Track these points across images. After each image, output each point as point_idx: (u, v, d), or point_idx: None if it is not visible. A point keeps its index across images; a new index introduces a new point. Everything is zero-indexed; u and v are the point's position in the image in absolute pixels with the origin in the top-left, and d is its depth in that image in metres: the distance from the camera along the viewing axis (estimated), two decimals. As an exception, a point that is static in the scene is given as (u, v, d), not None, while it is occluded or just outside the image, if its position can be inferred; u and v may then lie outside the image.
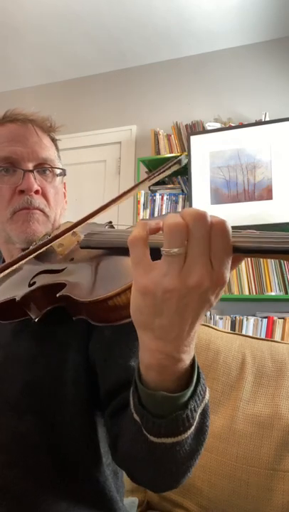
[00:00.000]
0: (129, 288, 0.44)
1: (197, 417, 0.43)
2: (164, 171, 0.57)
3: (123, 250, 0.50)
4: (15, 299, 0.55)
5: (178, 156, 0.58)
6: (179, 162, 0.57)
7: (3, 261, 0.82)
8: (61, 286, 0.52)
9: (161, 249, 0.35)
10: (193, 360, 0.42)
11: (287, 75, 2.76)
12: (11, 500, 0.57)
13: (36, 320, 0.56)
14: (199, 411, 0.44)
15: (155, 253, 0.37)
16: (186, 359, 0.40)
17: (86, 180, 3.08)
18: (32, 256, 0.50)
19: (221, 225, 0.34)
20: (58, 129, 0.81)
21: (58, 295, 0.50)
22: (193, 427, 0.43)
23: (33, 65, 3.20)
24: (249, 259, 2.32)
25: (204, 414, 0.46)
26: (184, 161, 0.58)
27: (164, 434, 0.42)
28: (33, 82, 3.39)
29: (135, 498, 0.96)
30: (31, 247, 0.51)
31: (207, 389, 0.45)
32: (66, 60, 3.14)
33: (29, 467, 0.58)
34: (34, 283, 0.56)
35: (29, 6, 2.59)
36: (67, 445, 0.60)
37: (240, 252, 0.35)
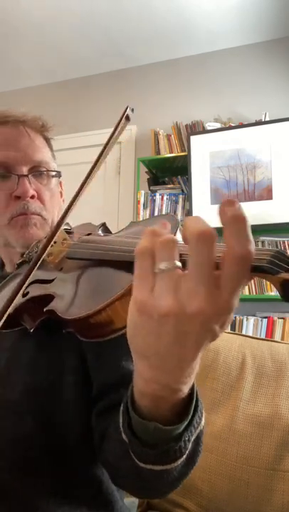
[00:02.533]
0: (109, 305, 0.42)
1: (190, 445, 0.41)
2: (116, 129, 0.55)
3: (108, 263, 0.49)
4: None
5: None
6: (127, 117, 0.55)
7: (3, 264, 0.82)
8: (50, 298, 0.51)
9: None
10: (192, 387, 0.39)
11: (287, 75, 2.76)
12: (11, 503, 0.57)
13: (32, 330, 0.55)
14: (193, 439, 0.41)
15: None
16: (185, 389, 0.37)
17: (86, 181, 3.08)
18: (33, 271, 0.49)
19: (239, 253, 0.29)
20: (51, 128, 0.79)
21: (44, 310, 0.49)
22: (185, 456, 0.41)
23: (33, 65, 3.20)
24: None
25: (198, 441, 0.44)
26: (131, 114, 0.55)
27: (153, 462, 0.40)
28: (33, 82, 3.40)
29: (135, 498, 0.96)
30: (31, 263, 0.50)
31: (203, 415, 0.43)
32: (66, 60, 3.14)
33: (29, 469, 0.58)
34: (27, 293, 0.55)
35: (29, 6, 2.59)
36: (67, 447, 0.60)
37: (263, 272, 0.31)
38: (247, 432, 0.94)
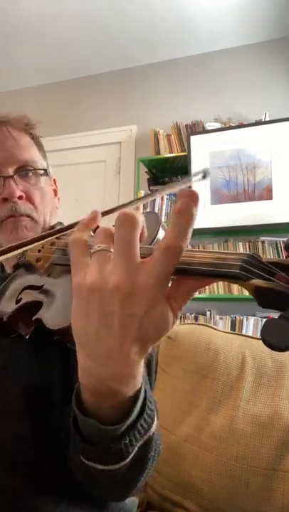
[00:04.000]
0: None
1: (135, 450, 0.40)
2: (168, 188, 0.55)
3: None
4: (3, 318, 0.54)
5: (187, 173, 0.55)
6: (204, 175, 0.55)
7: (2, 266, 0.81)
8: (39, 304, 0.50)
9: None
10: (138, 391, 0.38)
11: (287, 75, 2.76)
12: (10, 503, 0.57)
13: (27, 337, 0.55)
14: (139, 444, 0.41)
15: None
16: (126, 392, 0.36)
17: (86, 180, 3.08)
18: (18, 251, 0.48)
19: (169, 245, 0.31)
20: (36, 125, 0.77)
21: (33, 318, 0.49)
22: (128, 460, 0.40)
23: (33, 65, 3.20)
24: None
25: (146, 447, 0.43)
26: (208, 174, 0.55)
27: (93, 460, 0.40)
28: (33, 82, 3.40)
29: (135, 498, 0.96)
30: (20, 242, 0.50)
31: (154, 422, 0.42)
32: (66, 60, 3.14)
33: (28, 470, 0.58)
34: (20, 299, 0.55)
35: (29, 6, 2.59)
36: (63, 447, 0.60)
37: (212, 277, 0.32)
38: (247, 432, 0.94)
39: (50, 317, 0.47)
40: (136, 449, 0.41)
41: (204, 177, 0.54)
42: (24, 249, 0.49)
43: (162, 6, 2.55)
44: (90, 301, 0.33)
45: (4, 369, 0.63)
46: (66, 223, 0.79)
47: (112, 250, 0.34)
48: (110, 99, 3.19)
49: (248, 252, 0.32)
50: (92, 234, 0.39)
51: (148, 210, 2.69)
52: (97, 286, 0.33)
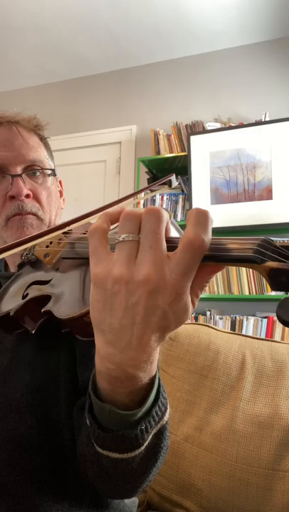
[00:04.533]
0: None
1: (150, 437, 0.41)
2: (152, 188, 0.56)
3: None
4: (9, 313, 0.55)
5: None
6: (170, 183, 0.56)
7: (5, 265, 0.81)
8: (47, 298, 0.51)
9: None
10: (154, 378, 0.39)
11: (287, 75, 2.76)
12: (11, 502, 0.57)
13: (33, 332, 0.55)
14: (153, 432, 0.41)
15: None
16: (143, 377, 0.37)
17: (86, 180, 3.08)
18: (16, 249, 0.48)
19: (191, 239, 0.32)
20: (45, 127, 0.79)
21: (42, 310, 0.50)
22: (143, 447, 0.41)
23: (33, 65, 3.20)
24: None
25: (160, 436, 0.43)
26: (175, 183, 0.56)
27: (108, 448, 0.41)
28: (33, 82, 3.40)
29: (135, 498, 0.96)
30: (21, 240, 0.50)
31: (167, 410, 0.43)
32: (66, 60, 3.14)
33: (29, 468, 0.58)
34: (27, 295, 0.56)
35: (29, 6, 2.59)
36: (65, 445, 0.60)
37: (227, 262, 0.33)
38: (247, 432, 0.94)
39: (60, 308, 0.48)
40: (150, 436, 0.41)
41: (170, 186, 0.55)
42: (35, 242, 0.49)
43: (162, 5, 2.55)
44: (115, 291, 0.34)
45: (8, 367, 0.63)
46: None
47: (137, 240, 0.34)
48: (110, 99, 3.19)
49: (261, 237, 0.33)
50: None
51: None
52: (125, 278, 0.33)
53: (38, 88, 3.42)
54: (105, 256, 0.35)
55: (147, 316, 0.33)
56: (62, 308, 0.47)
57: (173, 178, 0.56)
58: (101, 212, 0.39)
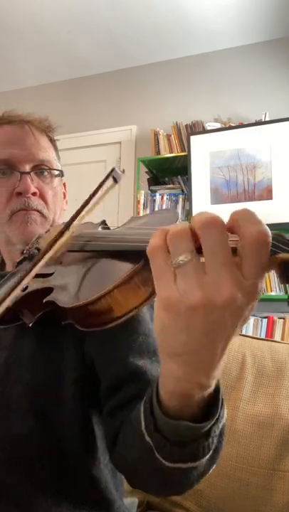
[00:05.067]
0: (108, 293, 0.42)
1: (216, 439, 0.41)
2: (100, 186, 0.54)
3: (107, 253, 0.49)
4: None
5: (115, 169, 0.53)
6: (115, 179, 0.54)
7: (3, 261, 0.82)
8: (49, 290, 0.51)
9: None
10: (218, 382, 0.39)
11: (287, 75, 2.76)
12: (11, 502, 0.57)
13: (30, 325, 0.55)
14: (218, 432, 0.41)
15: None
16: (213, 384, 0.37)
17: (86, 180, 3.06)
18: (36, 268, 0.49)
19: (258, 236, 0.30)
20: (56, 129, 0.80)
21: (44, 301, 0.50)
22: (211, 451, 0.41)
23: (33, 65, 3.20)
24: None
25: (221, 434, 0.43)
26: (120, 176, 0.53)
27: (182, 460, 0.40)
28: (33, 82, 3.39)
29: (135, 498, 0.96)
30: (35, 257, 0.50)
31: (224, 406, 0.42)
32: (66, 60, 3.14)
33: (29, 469, 0.58)
34: (26, 287, 0.56)
35: (29, 6, 2.59)
36: (67, 446, 0.60)
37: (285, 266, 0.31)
38: (247, 432, 0.94)
39: (64, 297, 0.48)
40: (216, 438, 0.41)
41: (115, 181, 0.54)
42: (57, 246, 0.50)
43: (162, 5, 2.55)
44: (192, 317, 0.31)
45: (5, 366, 0.62)
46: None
47: (196, 255, 0.31)
48: (110, 99, 3.19)
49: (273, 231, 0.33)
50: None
51: (148, 209, 2.69)
52: (203, 302, 0.30)
53: (38, 88, 3.42)
54: (170, 278, 0.32)
55: (232, 329, 0.32)
56: (67, 298, 0.47)
57: (116, 170, 0.54)
58: (157, 229, 0.34)
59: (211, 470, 0.46)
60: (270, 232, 0.31)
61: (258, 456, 0.91)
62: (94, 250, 0.53)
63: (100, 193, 0.53)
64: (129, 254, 0.46)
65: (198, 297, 0.30)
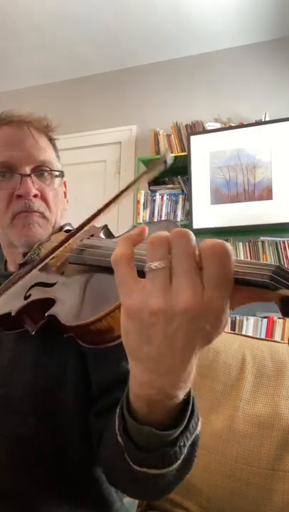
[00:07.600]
0: (109, 313, 0.42)
1: (186, 450, 0.41)
2: (151, 171, 0.54)
3: (110, 269, 0.49)
4: (11, 313, 0.55)
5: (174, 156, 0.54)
6: (165, 162, 0.54)
7: (5, 264, 0.82)
8: (51, 302, 0.51)
9: (145, 265, 0.33)
10: (188, 393, 0.39)
11: (287, 75, 2.76)
12: (12, 503, 0.57)
13: (33, 333, 0.55)
14: (188, 443, 0.41)
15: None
16: (180, 395, 0.36)
17: (86, 180, 3.08)
18: (34, 270, 0.48)
19: (215, 247, 0.31)
20: (55, 128, 0.80)
21: (46, 314, 0.50)
22: (180, 461, 0.41)
23: (33, 65, 3.20)
24: (249, 254, 2.32)
25: (193, 446, 0.43)
26: (169, 162, 0.53)
27: (147, 466, 0.40)
28: (33, 82, 3.39)
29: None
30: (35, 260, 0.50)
31: (200, 420, 0.43)
32: (66, 60, 3.13)
33: (30, 470, 0.58)
34: (29, 296, 0.55)
35: (29, 6, 2.59)
36: (68, 447, 0.60)
37: (243, 285, 0.32)
38: (247, 432, 0.94)
39: (65, 314, 0.47)
40: (186, 449, 0.41)
41: (165, 162, 0.53)
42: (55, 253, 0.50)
43: (162, 5, 2.55)
44: (152, 323, 0.32)
45: (9, 368, 0.62)
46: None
47: (169, 266, 0.32)
48: (110, 99, 3.19)
49: (273, 263, 0.33)
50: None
51: (148, 209, 2.69)
52: (163, 309, 0.31)
53: (38, 88, 3.42)
54: (135, 286, 0.33)
55: (189, 340, 0.32)
56: (69, 316, 0.47)
57: (168, 155, 0.54)
58: (120, 237, 0.36)
59: (183, 479, 0.46)
60: (227, 245, 0.31)
61: (258, 456, 0.91)
62: (94, 265, 0.52)
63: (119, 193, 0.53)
64: None
65: (159, 302, 0.31)
